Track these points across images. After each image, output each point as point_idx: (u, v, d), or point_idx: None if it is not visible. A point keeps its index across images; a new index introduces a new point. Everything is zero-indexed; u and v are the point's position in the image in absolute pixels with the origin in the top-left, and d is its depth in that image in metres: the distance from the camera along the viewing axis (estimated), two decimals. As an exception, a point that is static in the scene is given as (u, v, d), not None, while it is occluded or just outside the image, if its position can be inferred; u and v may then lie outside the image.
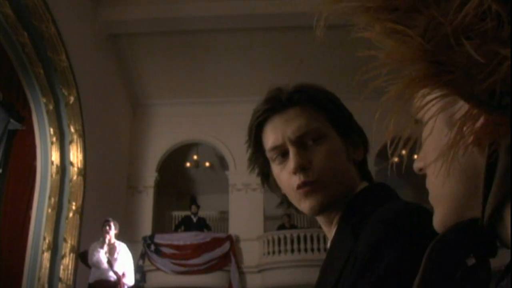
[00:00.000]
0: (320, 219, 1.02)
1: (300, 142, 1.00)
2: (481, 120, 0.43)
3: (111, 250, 6.37)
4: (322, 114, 1.02)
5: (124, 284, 6.38)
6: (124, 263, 6.38)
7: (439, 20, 0.41)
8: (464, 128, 0.43)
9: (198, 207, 11.62)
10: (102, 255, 6.29)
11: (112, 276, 6.29)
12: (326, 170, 0.97)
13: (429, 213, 0.80)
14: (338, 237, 0.95)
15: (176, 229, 11.55)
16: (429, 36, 0.42)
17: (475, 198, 0.48)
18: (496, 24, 0.39)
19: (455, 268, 0.47)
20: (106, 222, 6.52)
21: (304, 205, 0.98)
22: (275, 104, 1.03)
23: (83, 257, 6.90)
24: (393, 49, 0.44)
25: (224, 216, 12.69)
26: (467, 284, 0.47)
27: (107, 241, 6.37)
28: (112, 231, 6.43)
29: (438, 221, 0.53)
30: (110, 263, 6.28)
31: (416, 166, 0.57)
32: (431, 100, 0.45)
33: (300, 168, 0.97)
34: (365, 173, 1.05)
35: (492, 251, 0.49)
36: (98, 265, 6.29)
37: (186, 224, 11.31)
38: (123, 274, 6.36)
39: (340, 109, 1.05)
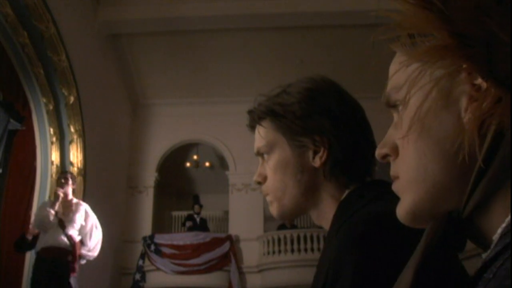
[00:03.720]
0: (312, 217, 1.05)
1: (261, 157, 1.04)
2: (490, 100, 0.41)
3: (66, 209, 5.04)
4: (271, 125, 1.02)
5: (82, 254, 5.04)
6: (84, 227, 5.05)
7: None
8: (484, 105, 0.41)
9: (201, 206, 11.61)
10: (50, 213, 4.93)
11: (65, 242, 4.90)
12: (272, 186, 1.01)
13: (394, 221, 0.79)
14: (326, 242, 0.95)
15: (185, 224, 11.49)
16: (451, 6, 0.40)
17: (455, 187, 0.46)
18: None
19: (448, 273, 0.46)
20: (62, 175, 5.35)
21: None
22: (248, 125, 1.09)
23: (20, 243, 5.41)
24: (412, 13, 0.42)
25: (224, 216, 12.69)
26: (435, 278, 0.46)
27: (60, 198, 5.02)
28: (69, 187, 5.15)
29: (407, 209, 0.49)
30: (62, 224, 4.89)
31: (381, 152, 0.53)
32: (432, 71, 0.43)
33: (257, 182, 1.04)
34: (354, 173, 0.96)
35: (461, 246, 0.47)
36: (43, 226, 4.91)
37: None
38: (81, 242, 5.03)
39: (283, 116, 0.99)
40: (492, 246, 0.42)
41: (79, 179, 8.32)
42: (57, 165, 8.04)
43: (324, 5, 8.84)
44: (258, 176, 1.03)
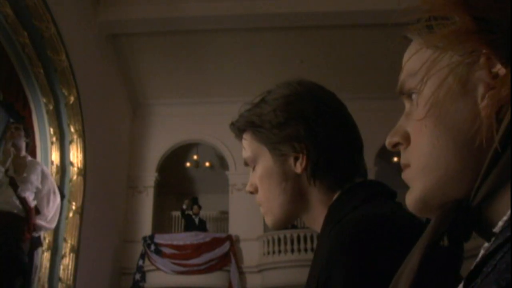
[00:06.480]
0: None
1: (252, 167, 1.04)
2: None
3: (19, 166, 4.16)
4: (252, 136, 1.02)
5: (37, 225, 4.16)
6: (40, 191, 4.21)
7: None
8: (503, 90, 0.41)
9: (200, 208, 11.61)
10: None
11: (17, 206, 4.02)
12: (263, 197, 1.00)
13: (384, 223, 0.79)
14: (317, 246, 0.94)
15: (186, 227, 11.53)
16: None
17: (467, 174, 0.46)
18: None
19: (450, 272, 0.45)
20: (13, 124, 4.46)
21: None
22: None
23: None
24: None
25: (224, 216, 12.69)
26: (439, 265, 0.46)
27: (12, 154, 4.12)
28: (22, 140, 4.26)
29: (417, 196, 0.49)
30: (14, 183, 4.02)
31: (392, 140, 0.53)
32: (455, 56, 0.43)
33: (250, 192, 1.04)
34: (338, 175, 0.95)
35: (468, 235, 0.47)
36: None
37: (188, 223, 11.33)
38: (36, 209, 4.16)
39: (261, 126, 0.99)
40: (492, 239, 0.42)
41: (79, 179, 8.32)
42: (57, 165, 8.04)
43: (324, 5, 8.84)
44: (249, 186, 1.03)
